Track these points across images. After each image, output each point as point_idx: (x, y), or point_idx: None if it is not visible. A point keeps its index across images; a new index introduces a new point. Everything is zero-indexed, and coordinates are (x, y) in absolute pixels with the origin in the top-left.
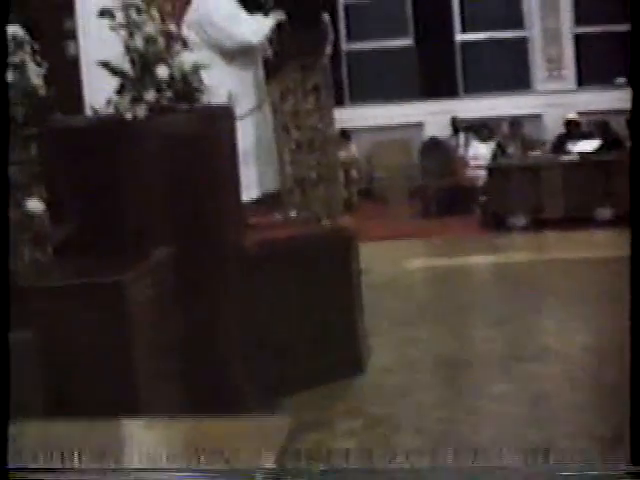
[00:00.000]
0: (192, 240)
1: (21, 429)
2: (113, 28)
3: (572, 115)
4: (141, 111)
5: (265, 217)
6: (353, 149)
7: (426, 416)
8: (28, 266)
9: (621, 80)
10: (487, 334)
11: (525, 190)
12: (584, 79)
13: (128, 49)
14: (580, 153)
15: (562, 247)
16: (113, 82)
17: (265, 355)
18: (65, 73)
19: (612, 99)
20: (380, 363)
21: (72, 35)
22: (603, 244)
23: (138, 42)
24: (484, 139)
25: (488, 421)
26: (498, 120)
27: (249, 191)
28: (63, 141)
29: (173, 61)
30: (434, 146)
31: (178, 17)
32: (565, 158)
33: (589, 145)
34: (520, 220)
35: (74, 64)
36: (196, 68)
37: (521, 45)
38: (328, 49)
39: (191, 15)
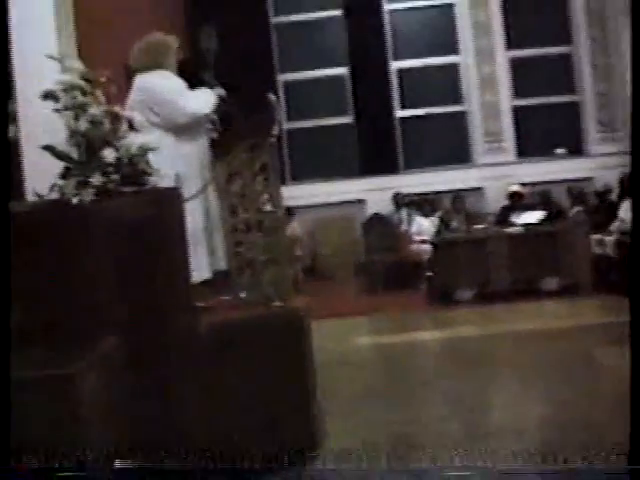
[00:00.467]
0: (143, 326)
1: None
2: (57, 110)
3: (516, 187)
4: (87, 195)
5: (215, 299)
6: (296, 227)
7: None
8: None
9: (561, 151)
10: (441, 413)
11: (471, 263)
12: (524, 151)
13: (73, 132)
14: (524, 225)
15: (511, 319)
16: (58, 166)
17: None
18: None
19: (553, 170)
20: (337, 447)
21: (12, 118)
22: (552, 314)
23: (83, 125)
24: (427, 214)
25: None
26: (440, 194)
27: (200, 272)
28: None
29: (120, 143)
30: (377, 222)
31: (123, 98)
32: (510, 230)
33: (533, 216)
34: (467, 293)
35: (14, 148)
36: (143, 150)
37: (460, 119)
38: (276, 128)
39: (134, 96)
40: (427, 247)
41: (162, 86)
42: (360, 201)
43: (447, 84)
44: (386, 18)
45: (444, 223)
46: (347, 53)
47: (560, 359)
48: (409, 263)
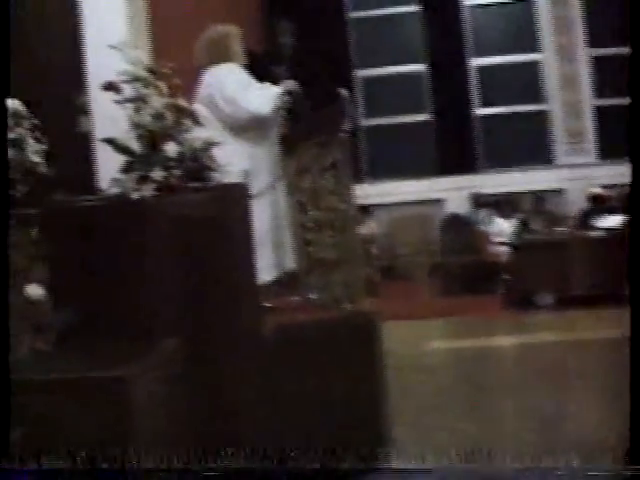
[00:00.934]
0: (204, 327)
1: None
2: (118, 102)
3: (597, 190)
4: (148, 191)
5: (282, 300)
6: (373, 226)
7: None
8: (27, 356)
9: None
10: (515, 423)
11: (551, 267)
12: (606, 152)
13: (134, 125)
14: (606, 228)
15: (592, 325)
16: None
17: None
18: (75, 150)
19: None
20: (406, 454)
21: (84, 111)
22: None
23: (145, 118)
24: (506, 215)
25: None
26: (520, 195)
27: (265, 273)
28: (65, 222)
29: (183, 137)
30: (455, 222)
31: (189, 91)
32: (591, 233)
33: (615, 220)
34: (546, 298)
35: (85, 141)
36: (208, 145)
37: (541, 118)
38: (347, 125)
39: (203, 90)
40: (505, 249)
41: (227, 82)
42: (438, 200)
43: (528, 82)
44: (465, 13)
45: (523, 225)
46: (425, 49)
47: None
48: (487, 265)
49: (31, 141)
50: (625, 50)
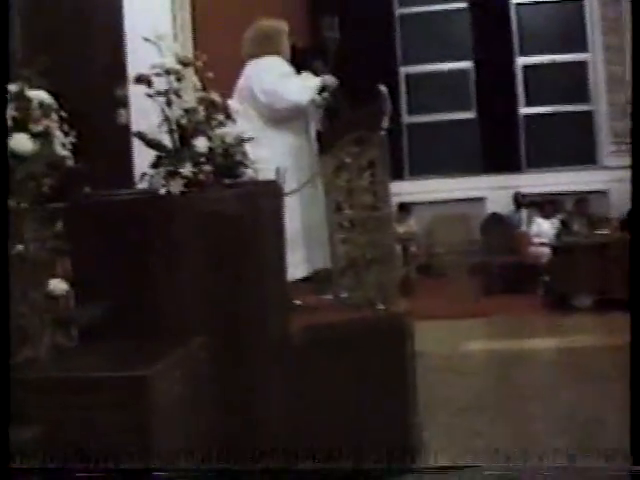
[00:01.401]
0: (231, 327)
1: None
2: (150, 96)
3: None
4: (176, 186)
5: (316, 298)
6: (412, 224)
7: None
8: (49, 352)
9: None
10: (552, 428)
11: (591, 269)
12: None
13: (165, 119)
14: None
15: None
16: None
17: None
18: (114, 143)
19: None
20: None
21: (123, 103)
22: None
23: (177, 111)
24: (547, 216)
25: None
26: (562, 196)
27: (296, 270)
28: (92, 217)
29: (214, 133)
30: (496, 222)
31: (228, 85)
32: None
33: None
34: (586, 300)
35: (125, 134)
36: (239, 140)
37: (587, 119)
38: (386, 122)
39: (243, 82)
40: (546, 250)
41: (267, 71)
42: (480, 199)
43: (574, 82)
44: (512, 11)
45: (565, 226)
46: (471, 47)
47: None
48: (527, 266)
49: (58, 133)
50: None
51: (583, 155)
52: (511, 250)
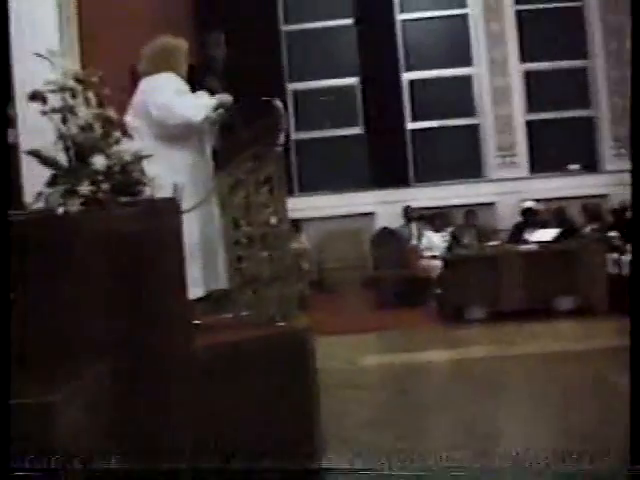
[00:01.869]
0: (134, 347)
1: None
2: (45, 113)
3: (529, 203)
4: (74, 205)
5: (215, 317)
6: (304, 240)
7: None
8: None
9: (575, 167)
10: (452, 441)
11: (482, 281)
12: (537, 166)
13: (61, 136)
14: (538, 242)
15: (523, 340)
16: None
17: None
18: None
19: (567, 186)
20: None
21: (11, 122)
22: (566, 336)
23: (72, 129)
24: (438, 229)
25: None
26: (452, 209)
27: (196, 289)
28: None
29: (112, 150)
30: (386, 236)
31: (120, 102)
32: (523, 248)
33: (547, 234)
34: (478, 312)
35: (13, 153)
36: (137, 158)
37: (473, 132)
38: (282, 138)
39: (137, 97)
40: (437, 263)
41: (162, 87)
42: (370, 214)
43: (460, 96)
44: (398, 28)
45: (455, 239)
46: (358, 63)
47: (573, 383)
48: (418, 279)
49: None
50: (559, 64)
51: (470, 168)
52: (402, 264)
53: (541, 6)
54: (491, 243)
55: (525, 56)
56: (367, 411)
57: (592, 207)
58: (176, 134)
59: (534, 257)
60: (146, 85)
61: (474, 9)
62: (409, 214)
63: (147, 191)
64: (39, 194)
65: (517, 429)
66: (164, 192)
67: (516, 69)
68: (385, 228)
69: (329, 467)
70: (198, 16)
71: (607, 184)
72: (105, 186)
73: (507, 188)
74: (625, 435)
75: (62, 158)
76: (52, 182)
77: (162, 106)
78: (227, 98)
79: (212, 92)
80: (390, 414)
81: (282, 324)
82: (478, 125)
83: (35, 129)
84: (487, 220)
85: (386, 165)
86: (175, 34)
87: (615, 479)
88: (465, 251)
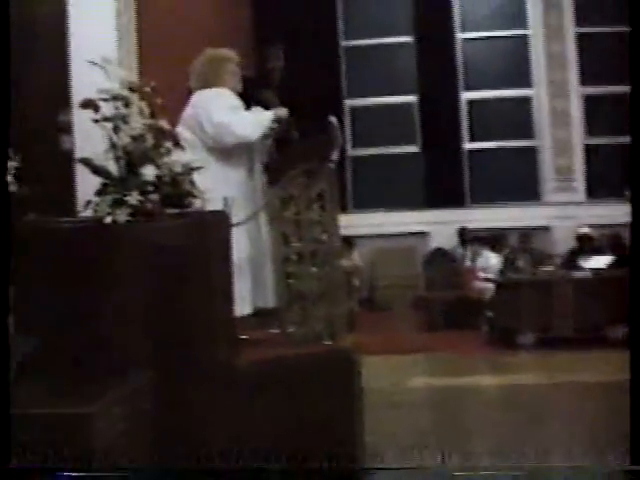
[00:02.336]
0: (176, 360)
1: None
2: (96, 121)
3: (585, 229)
4: (122, 215)
5: (262, 332)
6: (356, 257)
7: None
8: None
9: None
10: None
11: (534, 306)
12: (593, 191)
13: (112, 145)
14: (592, 269)
15: (573, 368)
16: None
17: None
18: (57, 169)
19: (622, 212)
20: None
21: (67, 129)
22: (617, 366)
23: (123, 138)
24: (492, 251)
25: None
26: (506, 232)
27: (244, 305)
28: (32, 245)
29: (162, 161)
30: (440, 256)
31: (174, 113)
32: (577, 274)
33: (602, 261)
34: (529, 338)
35: (68, 160)
36: (188, 169)
37: (530, 155)
38: (335, 154)
39: (189, 111)
40: (490, 285)
41: (216, 104)
42: (423, 234)
43: (519, 118)
44: (458, 47)
45: (509, 262)
46: (417, 81)
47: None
48: (470, 301)
49: None
50: (618, 89)
51: (527, 191)
52: (454, 285)
53: (600, 29)
54: (545, 268)
55: (585, 79)
56: (410, 432)
57: None
58: (228, 150)
59: (587, 284)
60: (198, 99)
61: (535, 30)
62: (464, 235)
63: (197, 203)
64: (88, 202)
65: (561, 459)
66: (214, 205)
67: (575, 92)
68: (438, 248)
69: None
70: (258, 29)
71: None
72: (154, 197)
73: (564, 212)
74: None
75: (112, 167)
76: (101, 191)
77: (218, 125)
78: (283, 112)
79: (266, 105)
80: (432, 437)
81: (329, 342)
82: (536, 147)
83: (88, 137)
84: (542, 244)
85: (442, 185)
86: (234, 47)
87: None
88: (518, 275)
